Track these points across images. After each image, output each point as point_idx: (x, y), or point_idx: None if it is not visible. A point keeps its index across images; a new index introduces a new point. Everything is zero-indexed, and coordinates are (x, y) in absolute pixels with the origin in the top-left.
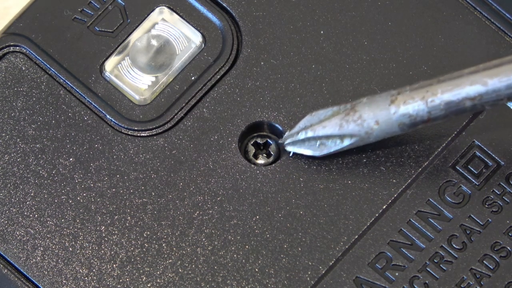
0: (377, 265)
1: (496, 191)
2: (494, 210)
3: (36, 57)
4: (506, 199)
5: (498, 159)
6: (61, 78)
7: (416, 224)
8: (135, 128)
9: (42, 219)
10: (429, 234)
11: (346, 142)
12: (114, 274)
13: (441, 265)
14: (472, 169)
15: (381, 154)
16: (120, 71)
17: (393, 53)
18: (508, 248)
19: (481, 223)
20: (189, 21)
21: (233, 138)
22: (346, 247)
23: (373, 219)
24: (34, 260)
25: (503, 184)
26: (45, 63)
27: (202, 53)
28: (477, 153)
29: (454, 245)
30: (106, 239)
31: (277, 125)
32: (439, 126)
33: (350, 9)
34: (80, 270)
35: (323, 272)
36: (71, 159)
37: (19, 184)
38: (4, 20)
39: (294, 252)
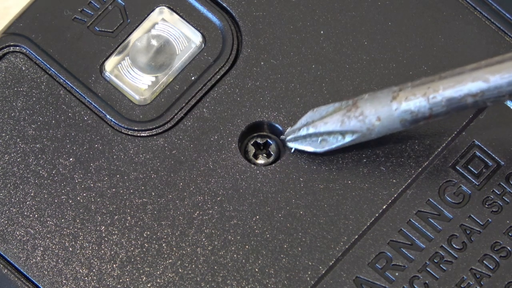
0: (377, 265)
1: (496, 191)
2: (494, 210)
3: (36, 57)
4: (506, 199)
5: (498, 159)
6: (61, 78)
7: (416, 224)
8: (135, 128)
9: (42, 219)
10: (429, 234)
11: (348, 138)
12: (114, 274)
13: (441, 265)
14: (472, 169)
15: (381, 154)
16: (120, 71)
17: (393, 53)
18: (508, 248)
19: (481, 223)
20: (189, 21)
21: (233, 138)
22: (346, 247)
23: (373, 219)
24: (34, 260)
25: (503, 184)
26: (45, 63)
27: (202, 53)
28: (477, 153)
29: (454, 245)
30: (106, 239)
31: (277, 125)
32: (439, 126)
33: (350, 9)
34: (80, 270)
35: (323, 272)
36: (71, 159)
37: (19, 184)
38: (4, 20)
39: (294, 252)
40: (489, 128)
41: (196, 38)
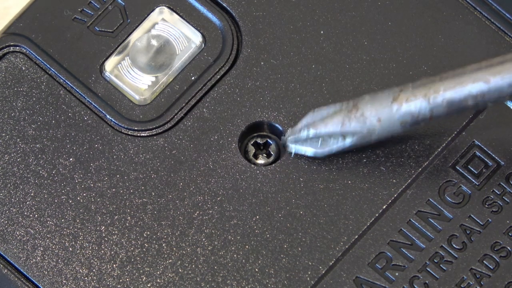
0: (377, 265)
1: (496, 191)
2: (494, 210)
3: (36, 57)
4: (506, 199)
5: (498, 159)
6: (61, 78)
7: (416, 224)
8: (135, 128)
9: (42, 219)
10: (429, 234)
11: (348, 141)
12: (114, 274)
13: (441, 265)
14: (472, 169)
15: (381, 154)
16: (120, 71)
17: (393, 53)
18: (508, 248)
19: (481, 223)
20: (189, 21)
21: (233, 138)
22: (346, 247)
23: (373, 219)
24: (34, 260)
25: (503, 184)
26: (45, 63)
27: (202, 53)
28: (477, 153)
29: (454, 245)
30: (106, 239)
31: (277, 125)
32: (439, 126)
33: (350, 9)
34: (80, 270)
35: (323, 272)
36: (71, 159)
37: (19, 184)
38: (4, 20)
39: (294, 252)
40: (489, 128)
41: (196, 38)
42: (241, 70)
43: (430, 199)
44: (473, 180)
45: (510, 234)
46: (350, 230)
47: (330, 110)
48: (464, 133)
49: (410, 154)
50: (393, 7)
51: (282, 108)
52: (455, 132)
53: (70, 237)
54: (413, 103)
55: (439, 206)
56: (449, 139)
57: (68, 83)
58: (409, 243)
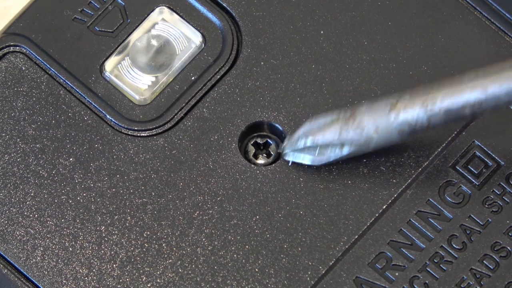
0: (377, 265)
1: (496, 191)
2: (494, 210)
3: (36, 57)
4: (506, 199)
5: (498, 159)
6: (61, 78)
7: (416, 224)
8: (135, 128)
9: (42, 219)
10: (429, 234)
11: (346, 149)
12: (114, 274)
13: (441, 265)
14: (472, 169)
15: (381, 154)
16: (120, 71)
17: (393, 53)
18: (508, 248)
19: (481, 223)
20: (189, 21)
21: (233, 138)
22: (346, 247)
23: (373, 219)
24: (34, 260)
25: (503, 184)
26: (45, 63)
27: (202, 53)
28: (477, 153)
29: (454, 245)
30: (106, 239)
31: (277, 125)
32: None
33: (350, 9)
34: (80, 270)
35: (323, 272)
36: (71, 159)
37: (19, 184)
38: (4, 20)
39: (294, 252)
40: (489, 128)
41: (196, 38)
42: (241, 70)
43: (430, 199)
44: (473, 180)
45: (510, 234)
46: (350, 230)
47: (328, 119)
48: (464, 133)
49: (410, 154)
50: (393, 7)
51: (282, 108)
52: (455, 132)
53: (70, 237)
54: (410, 112)
55: (439, 206)
56: (449, 139)
57: (68, 83)
58: (409, 243)
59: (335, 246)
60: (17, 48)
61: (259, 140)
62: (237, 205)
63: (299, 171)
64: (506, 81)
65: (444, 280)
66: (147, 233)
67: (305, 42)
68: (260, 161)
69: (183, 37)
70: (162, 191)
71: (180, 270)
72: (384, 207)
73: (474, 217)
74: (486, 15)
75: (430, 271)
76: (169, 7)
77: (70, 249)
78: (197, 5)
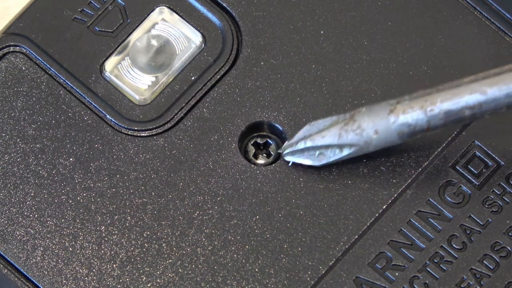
0: (377, 265)
1: (496, 191)
2: (494, 210)
3: (36, 57)
4: (506, 199)
5: (498, 159)
6: (61, 78)
7: (416, 224)
8: (135, 128)
9: (42, 219)
10: (429, 234)
11: (345, 152)
12: (114, 274)
13: (441, 265)
14: (472, 169)
15: (381, 154)
16: (120, 71)
17: (393, 53)
18: (508, 248)
19: (481, 223)
20: (189, 21)
21: (233, 138)
22: (346, 247)
23: (373, 219)
24: (34, 260)
25: (503, 184)
26: (45, 63)
27: (202, 53)
28: (477, 153)
29: (454, 245)
30: (106, 239)
31: (277, 125)
32: None
33: (350, 9)
34: (80, 270)
35: (323, 272)
36: (71, 159)
37: (19, 184)
38: (4, 20)
39: (294, 252)
40: (489, 128)
41: (196, 38)
42: (241, 70)
43: (430, 199)
44: (473, 180)
45: (510, 234)
46: (350, 230)
47: (327, 122)
48: (464, 133)
49: (410, 154)
50: (393, 7)
51: (282, 108)
52: (455, 132)
53: (70, 237)
54: (410, 115)
55: (439, 206)
56: (449, 139)
57: (68, 83)
58: (409, 243)
59: (335, 246)
60: (17, 48)
61: (259, 140)
62: (237, 205)
63: (299, 171)
64: (506, 83)
65: (444, 280)
66: (147, 233)
67: (305, 42)
68: (260, 161)
69: (183, 37)
70: (162, 191)
71: (180, 270)
72: (384, 207)
73: (474, 217)
74: (486, 15)
75: (430, 271)
76: (169, 7)
77: (70, 249)
78: (197, 5)
